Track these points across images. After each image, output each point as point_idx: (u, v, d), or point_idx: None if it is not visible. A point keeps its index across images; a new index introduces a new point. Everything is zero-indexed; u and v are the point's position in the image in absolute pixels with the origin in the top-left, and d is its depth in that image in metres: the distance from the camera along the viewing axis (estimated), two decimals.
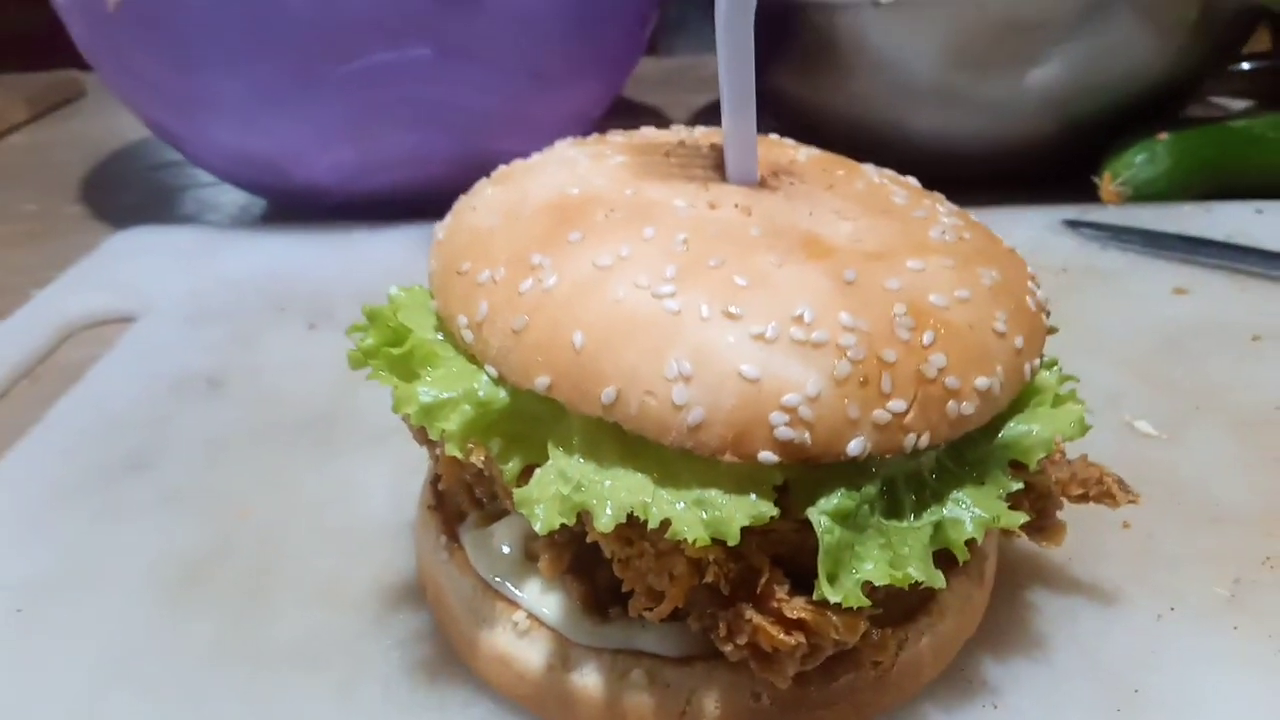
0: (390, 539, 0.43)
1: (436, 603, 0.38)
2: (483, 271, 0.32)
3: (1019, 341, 0.32)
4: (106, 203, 0.86)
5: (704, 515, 0.29)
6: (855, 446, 0.29)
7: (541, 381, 0.30)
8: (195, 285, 0.65)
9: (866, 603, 0.29)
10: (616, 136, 0.39)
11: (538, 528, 0.29)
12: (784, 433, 0.29)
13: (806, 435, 0.29)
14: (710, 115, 1.02)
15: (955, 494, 0.32)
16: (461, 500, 0.38)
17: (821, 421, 0.29)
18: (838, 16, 0.72)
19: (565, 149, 0.38)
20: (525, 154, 0.75)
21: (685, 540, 0.28)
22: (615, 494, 0.29)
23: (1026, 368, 0.33)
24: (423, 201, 0.74)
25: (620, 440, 0.30)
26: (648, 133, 0.40)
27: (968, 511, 0.31)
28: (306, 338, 0.60)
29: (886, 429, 0.29)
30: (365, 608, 0.40)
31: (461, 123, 0.71)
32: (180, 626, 0.39)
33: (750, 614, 0.30)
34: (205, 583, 0.41)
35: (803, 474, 0.30)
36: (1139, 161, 0.73)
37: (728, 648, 0.30)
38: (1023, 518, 0.32)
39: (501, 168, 0.39)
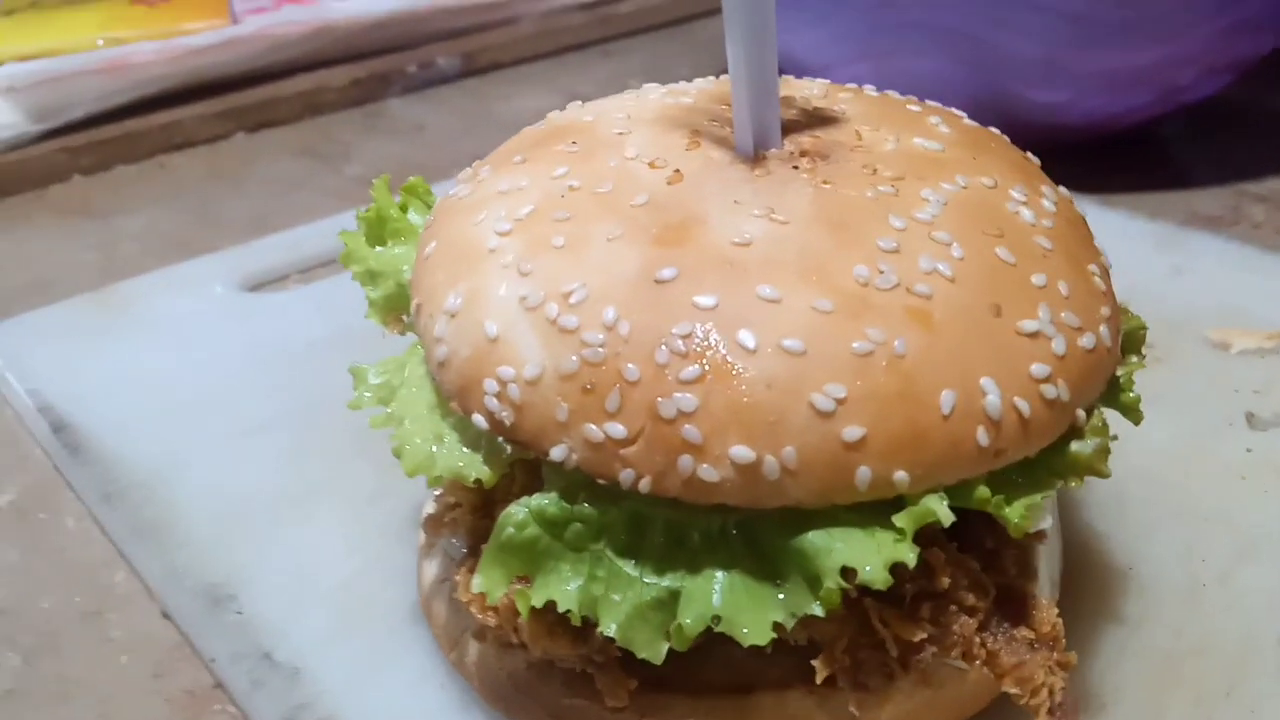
0: None
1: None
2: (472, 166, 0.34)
3: (851, 433, 0.24)
4: None
5: (431, 450, 0.28)
6: (558, 452, 0.26)
7: (406, 274, 0.31)
8: None
9: (528, 601, 0.26)
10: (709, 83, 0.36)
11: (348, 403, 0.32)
12: (490, 403, 0.26)
13: (509, 415, 0.26)
14: None
15: (716, 572, 0.26)
16: None
17: (528, 409, 0.26)
18: None
19: (698, 82, 0.36)
20: (1078, 108, 0.66)
21: (402, 465, 0.28)
22: (401, 401, 0.30)
23: (862, 471, 0.24)
24: None
25: None
26: (792, 83, 0.36)
27: (716, 595, 0.25)
28: None
29: (599, 449, 0.25)
30: None
31: (981, 59, 0.64)
32: None
33: (463, 575, 0.29)
34: None
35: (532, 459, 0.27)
36: None
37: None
38: (762, 633, 0.24)
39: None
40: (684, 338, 0.25)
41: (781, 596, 0.25)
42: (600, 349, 0.25)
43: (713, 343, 0.25)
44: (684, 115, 0.32)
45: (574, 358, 0.25)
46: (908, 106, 0.34)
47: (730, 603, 0.25)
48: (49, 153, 0.78)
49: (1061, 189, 0.32)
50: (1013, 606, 0.27)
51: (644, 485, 0.25)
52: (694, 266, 0.26)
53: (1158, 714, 0.31)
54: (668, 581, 0.26)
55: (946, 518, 0.24)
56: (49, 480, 0.46)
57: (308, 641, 0.34)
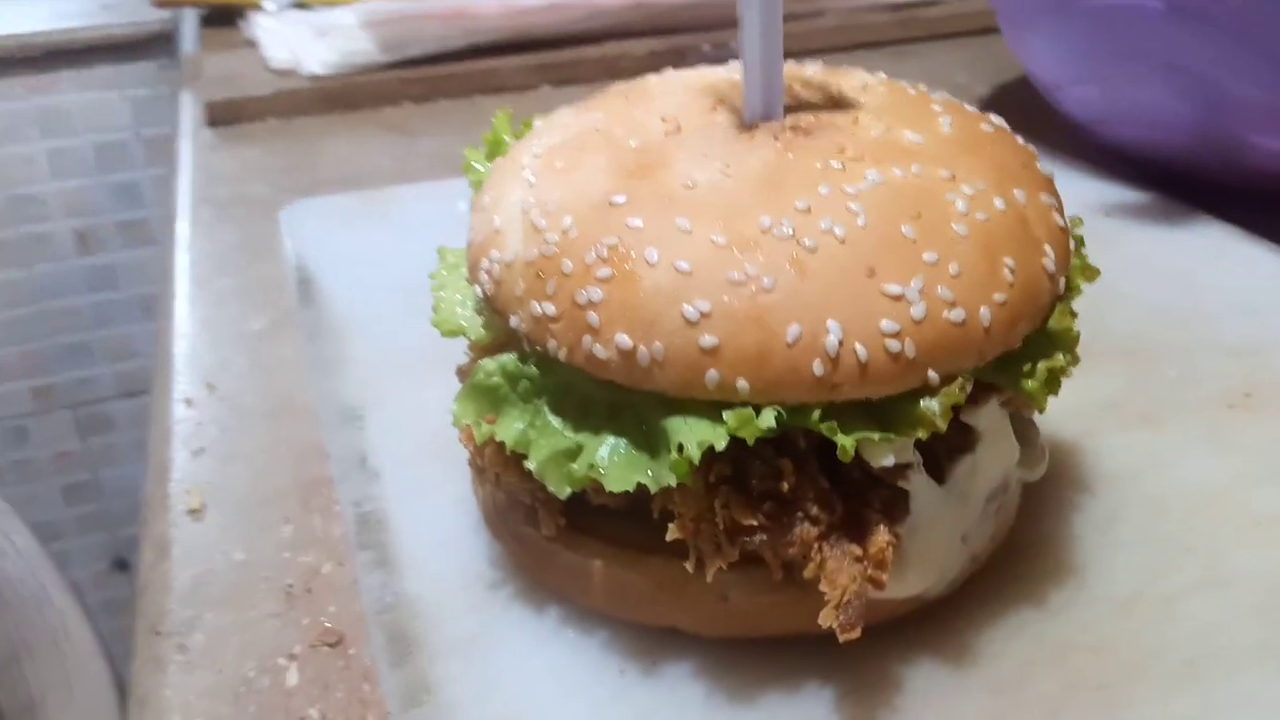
0: None
1: None
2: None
3: (707, 341, 0.30)
4: (996, 96, 0.95)
5: (456, 311, 0.37)
6: (513, 321, 0.34)
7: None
8: None
9: (486, 434, 0.34)
10: (810, 67, 0.41)
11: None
12: (484, 278, 0.35)
13: (491, 288, 0.34)
14: None
15: (611, 438, 0.32)
16: None
17: (500, 285, 0.34)
18: None
19: None
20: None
21: (433, 320, 0.37)
22: (455, 274, 0.39)
23: (711, 374, 0.30)
24: (1168, 167, 0.68)
25: None
26: (841, 71, 0.40)
27: (602, 452, 0.32)
28: None
29: (537, 322, 0.33)
30: None
31: (1202, 96, 0.62)
32: None
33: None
34: None
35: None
36: None
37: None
38: (621, 486, 0.31)
39: None
40: (609, 247, 0.32)
41: (651, 465, 0.31)
42: (553, 246, 0.33)
43: (626, 253, 0.31)
44: (723, 87, 0.38)
45: (535, 250, 0.33)
46: (931, 105, 0.37)
47: (611, 461, 0.32)
48: (389, 80, 0.95)
49: (1046, 197, 0.35)
50: (855, 530, 0.32)
51: (562, 355, 0.32)
52: (641, 196, 0.33)
53: (1019, 684, 0.34)
54: (576, 437, 0.33)
55: (765, 425, 0.29)
56: (288, 319, 0.60)
57: (392, 458, 0.44)
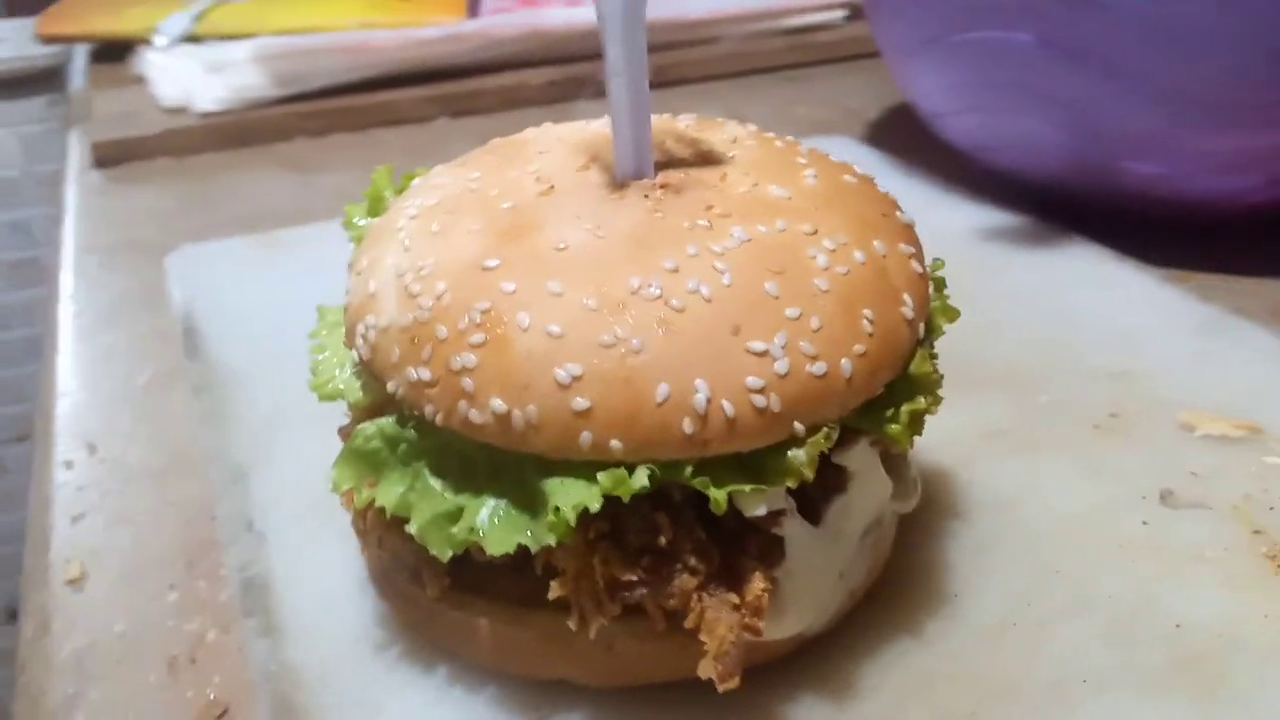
0: None
1: None
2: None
3: (579, 403, 0.30)
4: (894, 120, 0.97)
5: (335, 375, 0.37)
6: (390, 386, 0.34)
7: None
8: None
9: (367, 498, 0.34)
10: (683, 119, 0.42)
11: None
12: (359, 343, 0.35)
13: (368, 353, 0.34)
14: None
15: (492, 501, 0.33)
16: None
17: (377, 350, 0.34)
18: None
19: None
20: (1167, 183, 0.66)
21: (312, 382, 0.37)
22: (335, 336, 0.39)
23: (585, 435, 0.30)
24: (1046, 192, 0.71)
25: None
26: (718, 124, 0.41)
27: (482, 515, 0.32)
28: None
29: (413, 388, 0.33)
30: None
31: (1076, 125, 0.65)
32: None
33: None
34: None
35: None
36: None
37: None
38: (501, 549, 0.31)
39: None
40: (482, 311, 0.32)
41: (531, 526, 0.32)
42: (427, 312, 0.33)
43: (498, 318, 0.32)
44: (597, 143, 0.39)
45: (410, 316, 0.33)
46: (797, 159, 0.39)
47: (491, 523, 0.32)
48: (284, 115, 0.94)
49: (905, 246, 0.36)
50: (733, 578, 0.33)
51: (439, 419, 0.32)
52: (513, 260, 0.33)
53: (893, 716, 0.35)
54: (456, 499, 0.33)
55: (639, 484, 0.30)
56: (175, 372, 0.59)
57: (279, 520, 0.44)
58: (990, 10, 0.64)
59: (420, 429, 0.34)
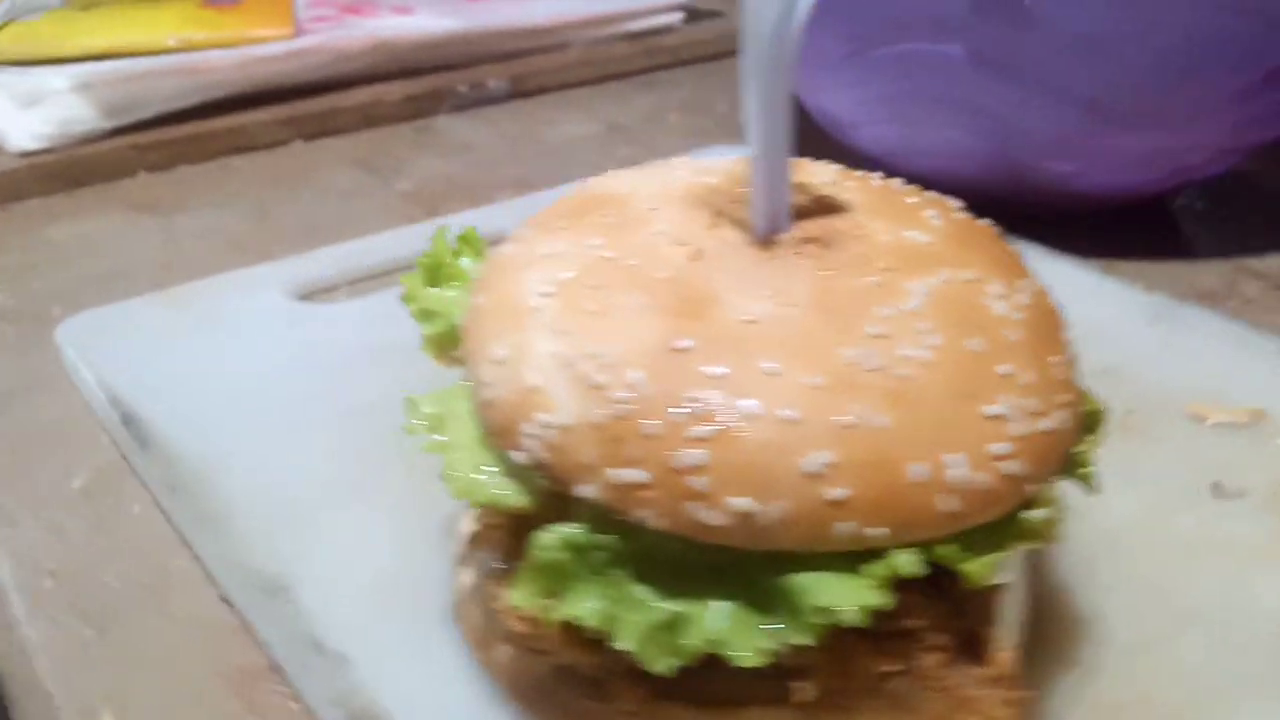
0: None
1: None
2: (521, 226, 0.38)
3: (834, 493, 0.28)
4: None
5: (469, 474, 0.33)
6: (586, 490, 0.30)
7: (459, 316, 0.36)
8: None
9: (558, 616, 0.30)
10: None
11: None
12: (531, 444, 0.31)
13: (548, 456, 0.31)
14: None
15: (716, 603, 0.30)
16: None
17: (562, 451, 0.30)
18: None
19: (720, 160, 0.40)
20: (1081, 179, 0.70)
21: (448, 488, 0.33)
22: (451, 431, 0.35)
23: (841, 526, 0.28)
24: (961, 193, 0.73)
25: None
26: (807, 166, 0.40)
27: (715, 621, 0.30)
28: None
29: (618, 490, 0.30)
30: None
31: (999, 132, 0.68)
32: None
33: (489, 575, 0.33)
34: None
35: (561, 493, 0.31)
36: None
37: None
38: (753, 656, 0.29)
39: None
40: (697, 401, 0.29)
41: (770, 626, 0.29)
42: (626, 406, 0.30)
43: (721, 407, 0.29)
44: (708, 196, 0.36)
45: (601, 411, 0.30)
46: (906, 199, 0.38)
47: (726, 628, 0.29)
48: (119, 149, 0.84)
49: (1035, 281, 0.36)
50: (975, 648, 0.32)
51: (659, 523, 0.29)
52: (708, 339, 0.30)
53: None
54: (671, 606, 0.30)
55: (913, 573, 0.28)
56: (116, 467, 0.51)
57: (352, 633, 0.39)
58: (921, 24, 0.66)
59: (617, 532, 0.31)
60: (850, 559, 0.29)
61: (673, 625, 0.30)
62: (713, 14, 1.18)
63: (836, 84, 0.74)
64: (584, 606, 0.30)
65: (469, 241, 0.41)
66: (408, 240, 0.71)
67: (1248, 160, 0.72)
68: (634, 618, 0.30)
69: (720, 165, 0.39)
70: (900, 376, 0.30)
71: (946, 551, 0.29)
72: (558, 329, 0.32)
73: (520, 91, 1.02)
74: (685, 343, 0.30)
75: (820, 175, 0.39)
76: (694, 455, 0.29)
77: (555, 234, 0.36)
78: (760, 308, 0.31)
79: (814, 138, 0.84)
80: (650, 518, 0.29)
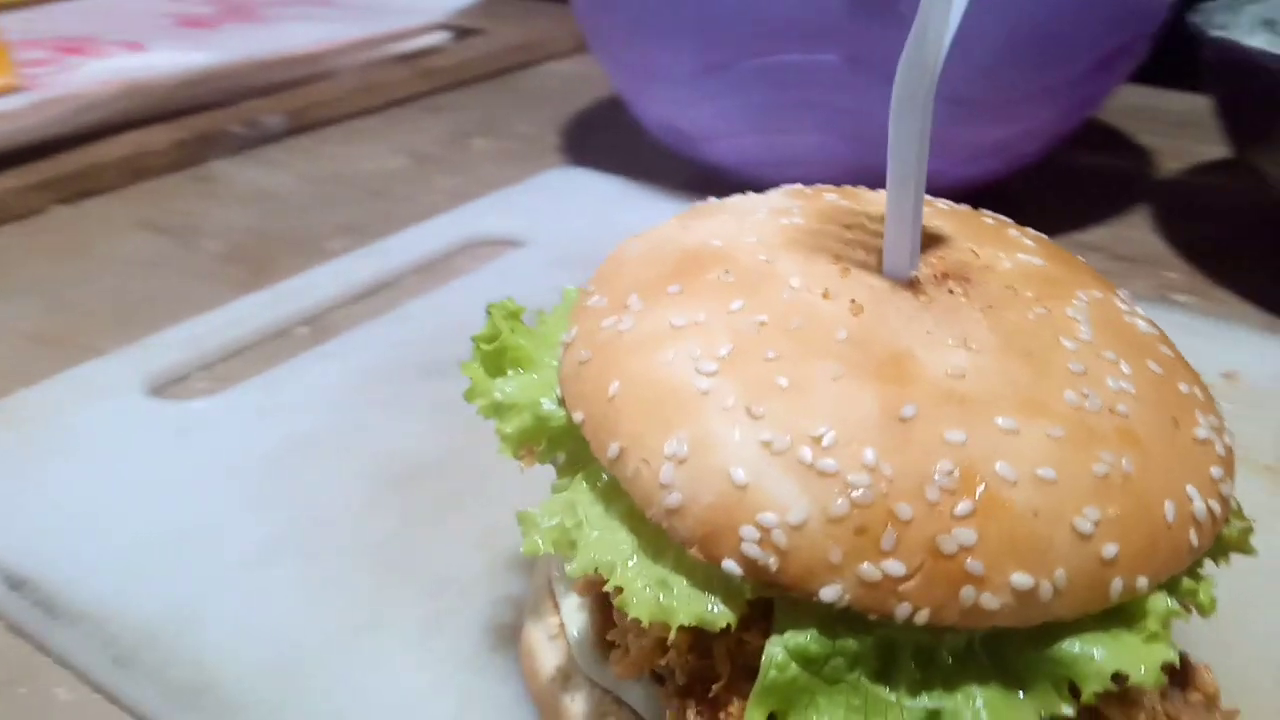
0: None
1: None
2: (593, 297, 0.33)
3: (1109, 551, 0.26)
4: (585, 141, 0.96)
5: (660, 598, 0.28)
6: (830, 593, 0.26)
7: (577, 416, 0.31)
8: (583, 230, 0.72)
9: None
10: (828, 194, 0.37)
11: (522, 548, 0.30)
12: (751, 549, 0.27)
13: (774, 560, 0.27)
14: (1173, 160, 0.88)
15: (972, 689, 0.27)
16: None
17: (796, 553, 0.26)
18: None
19: (765, 197, 0.37)
20: (947, 176, 0.73)
21: (631, 614, 0.28)
22: (596, 545, 0.29)
23: (1116, 583, 0.27)
24: None
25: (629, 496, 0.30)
26: (862, 194, 0.38)
27: (973, 713, 0.27)
28: None
29: (874, 588, 0.26)
30: None
31: (868, 134, 0.69)
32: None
33: (693, 714, 0.29)
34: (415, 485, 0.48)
35: (786, 598, 0.28)
36: None
37: None
38: None
39: (707, 202, 0.39)
40: (948, 474, 0.26)
41: (1031, 703, 0.27)
42: (868, 490, 0.26)
43: (976, 476, 0.26)
44: (811, 239, 0.33)
45: (841, 500, 0.26)
46: (985, 219, 0.37)
47: (992, 716, 0.27)
48: None
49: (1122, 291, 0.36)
50: (1180, 674, 0.31)
51: (921, 618, 0.26)
52: (928, 402, 0.27)
53: None
54: (925, 702, 0.27)
55: (1179, 616, 0.27)
56: (14, 647, 0.40)
57: None
58: (793, 34, 0.65)
59: (850, 633, 0.27)
60: (1107, 617, 0.27)
61: None
62: (477, 31, 1.13)
63: (693, 98, 0.72)
64: (828, 717, 0.27)
65: (511, 313, 0.35)
66: (255, 310, 0.62)
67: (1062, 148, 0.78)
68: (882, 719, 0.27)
69: (782, 203, 0.36)
70: (1122, 414, 0.28)
71: (1189, 586, 0.29)
72: (748, 413, 0.28)
73: (299, 126, 0.93)
74: (909, 410, 0.27)
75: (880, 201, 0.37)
76: (963, 534, 0.26)
77: (674, 300, 0.31)
78: (956, 359, 0.29)
79: (651, 155, 0.82)
80: (910, 613, 0.26)
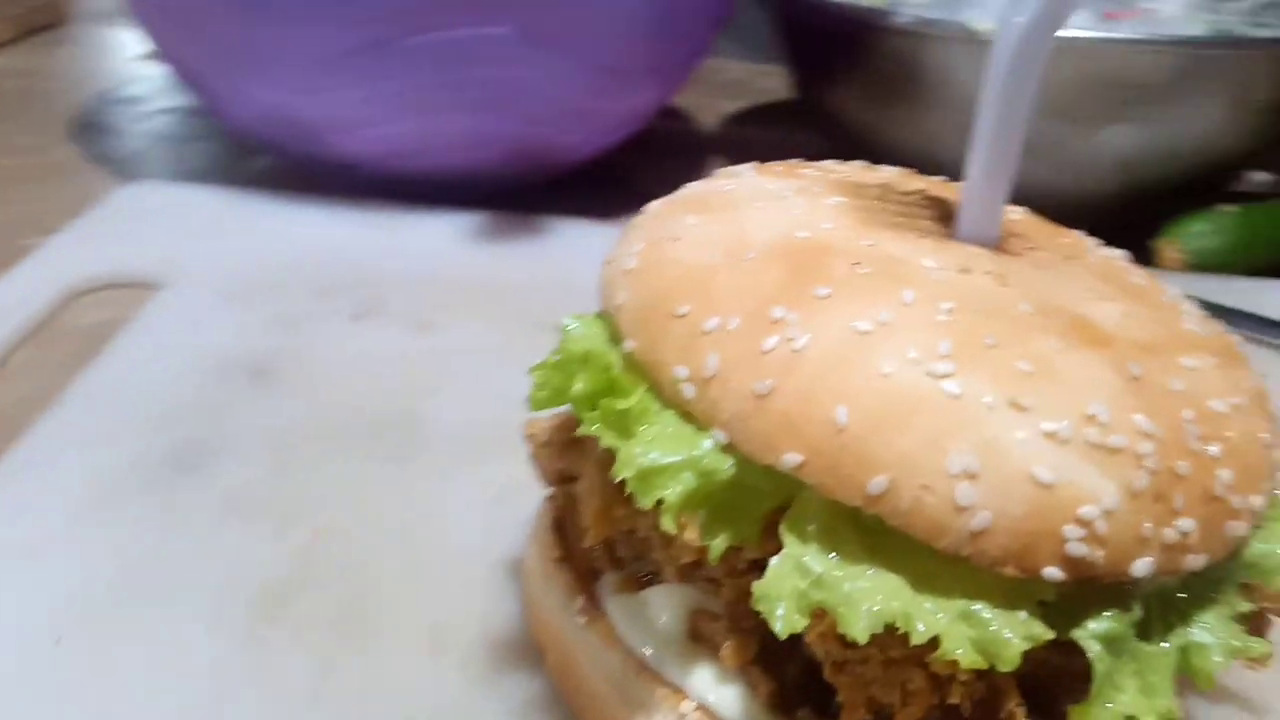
0: (487, 578, 0.39)
1: (564, 672, 0.34)
2: (709, 318, 0.28)
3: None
4: (105, 146, 0.78)
5: (972, 633, 0.25)
6: (1141, 567, 0.26)
7: (790, 458, 0.26)
8: (227, 255, 0.59)
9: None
10: (807, 169, 0.35)
11: (778, 628, 0.25)
12: (1075, 548, 0.25)
13: (1099, 553, 0.25)
14: (740, 122, 0.98)
15: (1198, 616, 0.29)
16: (598, 557, 0.34)
17: (1115, 538, 0.25)
18: (924, 46, 0.69)
19: (757, 178, 0.34)
20: (580, 149, 0.71)
21: (955, 661, 0.25)
22: (869, 597, 0.25)
23: None
24: (462, 188, 0.69)
25: (863, 533, 0.26)
26: (833, 166, 0.37)
27: (1212, 637, 0.28)
28: (355, 329, 0.54)
29: (1172, 550, 0.26)
30: (470, 663, 0.36)
31: (526, 110, 0.65)
32: (269, 663, 0.34)
33: None
34: (288, 612, 0.36)
35: (1072, 591, 0.26)
36: (1203, 230, 0.72)
37: None
38: (1267, 647, 0.29)
39: (688, 190, 0.34)
40: (1195, 423, 0.27)
41: (1225, 609, 0.29)
42: (1156, 458, 0.26)
43: (1209, 418, 0.27)
44: (872, 216, 0.31)
45: (1139, 474, 0.25)
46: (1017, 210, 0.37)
47: (1218, 632, 0.28)
48: None
49: None
50: None
51: (1199, 563, 0.27)
52: (1136, 358, 0.28)
53: None
54: (1174, 642, 0.28)
55: None
56: None
57: None
58: (460, 7, 0.59)
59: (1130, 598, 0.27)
60: None
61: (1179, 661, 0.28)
62: None
63: (332, 85, 0.62)
64: (1132, 700, 0.26)
65: (589, 358, 0.28)
66: None
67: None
68: (1155, 675, 0.27)
69: (783, 185, 0.33)
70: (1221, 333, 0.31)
71: None
72: (1015, 406, 0.25)
73: None
74: (1137, 369, 0.27)
75: (917, 184, 0.36)
76: (1224, 475, 0.27)
77: (837, 304, 0.27)
78: (1110, 310, 0.29)
79: (225, 156, 0.70)
80: (1195, 562, 0.26)
